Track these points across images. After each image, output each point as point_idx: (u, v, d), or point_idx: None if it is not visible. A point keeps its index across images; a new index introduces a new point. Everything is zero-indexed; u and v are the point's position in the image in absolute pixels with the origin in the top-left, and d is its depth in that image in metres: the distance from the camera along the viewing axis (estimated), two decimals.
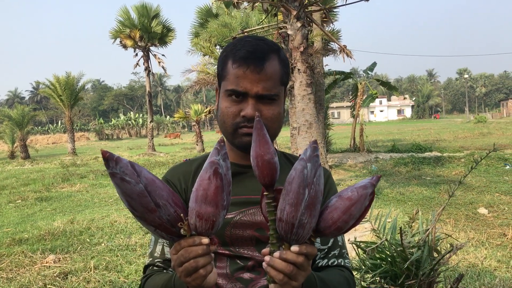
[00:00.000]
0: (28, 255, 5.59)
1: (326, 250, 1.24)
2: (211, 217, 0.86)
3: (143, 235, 6.33)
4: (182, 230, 0.88)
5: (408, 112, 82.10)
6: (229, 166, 0.89)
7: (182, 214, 0.88)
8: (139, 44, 26.56)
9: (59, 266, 5.18)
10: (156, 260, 1.22)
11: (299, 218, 0.86)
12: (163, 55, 28.91)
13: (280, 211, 0.89)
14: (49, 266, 5.23)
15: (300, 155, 1.08)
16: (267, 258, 0.93)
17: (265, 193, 0.95)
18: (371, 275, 2.15)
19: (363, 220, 0.96)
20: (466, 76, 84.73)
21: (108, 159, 0.81)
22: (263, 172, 0.92)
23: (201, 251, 0.88)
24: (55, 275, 4.90)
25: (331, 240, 1.25)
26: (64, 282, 4.75)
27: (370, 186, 0.90)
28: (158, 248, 1.23)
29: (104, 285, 4.59)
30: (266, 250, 0.96)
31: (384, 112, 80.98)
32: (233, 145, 1.20)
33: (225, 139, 1.25)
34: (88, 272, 4.96)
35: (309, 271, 0.95)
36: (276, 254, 0.91)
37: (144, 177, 0.84)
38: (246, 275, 1.15)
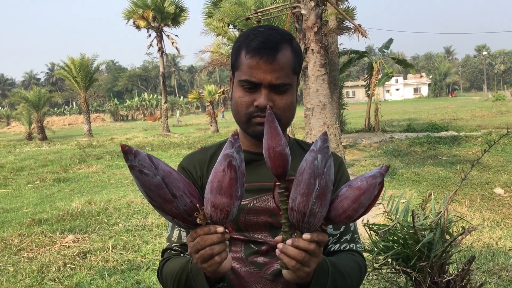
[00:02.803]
0: (48, 235, 5.74)
1: (338, 235, 1.27)
2: (226, 207, 0.90)
3: (159, 215, 6.44)
4: (198, 219, 0.93)
5: (424, 91, 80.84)
6: (242, 158, 0.92)
7: (198, 204, 0.92)
8: (152, 24, 26.50)
9: (78, 246, 5.32)
10: (173, 245, 1.27)
11: (310, 207, 0.90)
12: (176, 35, 29.00)
13: (292, 200, 0.92)
14: (68, 245, 5.37)
15: (312, 142, 1.10)
16: (280, 245, 0.97)
17: (277, 183, 0.98)
18: (383, 257, 2.18)
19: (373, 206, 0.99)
20: (484, 53, 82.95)
21: (127, 152, 0.85)
22: (275, 163, 0.96)
23: (217, 239, 0.92)
24: (74, 254, 5.03)
25: (343, 226, 1.28)
26: (84, 261, 4.88)
27: (379, 176, 0.92)
28: (175, 233, 1.28)
29: (122, 264, 4.71)
30: (279, 237, 1.00)
31: (400, 91, 79.88)
32: (247, 133, 1.23)
33: (239, 129, 1.28)
34: (106, 252, 5.09)
35: (320, 258, 0.99)
36: (289, 241, 0.95)
37: (162, 169, 0.89)
38: (260, 259, 1.20)
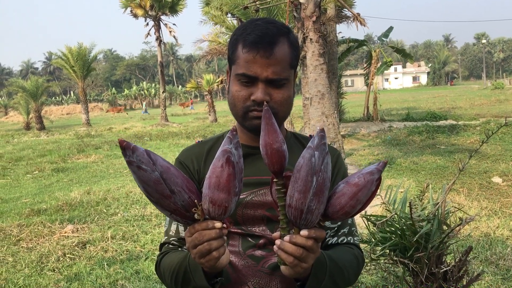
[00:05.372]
0: (47, 225, 5.75)
1: (336, 228, 1.27)
2: (224, 203, 0.90)
3: None
4: (196, 215, 0.93)
5: (423, 79, 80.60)
6: (241, 154, 0.93)
7: (196, 200, 0.92)
8: (150, 13, 26.30)
9: (77, 236, 5.34)
10: (171, 239, 1.27)
11: (307, 204, 0.90)
12: (174, 24, 28.67)
13: (289, 197, 0.93)
14: (67, 236, 5.39)
15: (310, 135, 1.10)
16: (277, 241, 0.97)
17: (274, 180, 0.99)
18: (380, 248, 2.19)
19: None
20: (484, 41, 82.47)
21: (125, 148, 0.85)
22: (272, 160, 0.96)
23: (214, 234, 0.93)
24: (73, 244, 5.05)
25: None
26: (83, 251, 4.90)
27: (376, 172, 0.93)
28: (173, 227, 1.28)
29: (121, 254, 4.73)
30: (276, 234, 1.00)
31: (399, 79, 79.65)
32: (244, 127, 1.23)
33: (236, 123, 1.27)
34: (105, 242, 5.11)
35: (318, 253, 0.99)
36: (286, 238, 0.95)
37: (160, 165, 0.89)
38: (258, 253, 1.20)
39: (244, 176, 0.99)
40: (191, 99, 52.78)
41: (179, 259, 1.13)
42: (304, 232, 0.93)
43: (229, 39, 1.23)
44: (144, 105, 48.16)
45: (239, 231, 1.21)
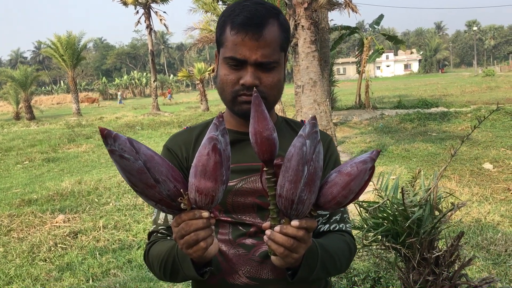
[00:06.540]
0: (38, 215, 5.71)
1: (327, 215, 1.25)
2: (211, 192, 0.87)
3: None
4: (182, 205, 0.89)
5: (415, 67, 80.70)
6: (228, 141, 0.89)
7: (181, 189, 0.89)
8: (140, 1, 25.99)
9: (69, 226, 5.31)
10: (159, 227, 1.24)
11: (298, 194, 0.87)
12: (164, 12, 28.27)
13: (280, 187, 0.90)
14: (59, 226, 5.35)
15: (301, 120, 1.06)
16: (268, 232, 0.95)
17: (264, 168, 0.95)
18: (373, 234, 2.19)
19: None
20: (475, 28, 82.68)
21: (106, 136, 0.81)
22: (262, 148, 0.92)
23: (202, 224, 0.90)
24: (65, 234, 5.02)
25: None
26: (74, 241, 4.88)
27: (369, 161, 0.90)
28: (162, 215, 1.25)
29: (113, 244, 4.71)
30: (267, 224, 0.97)
31: (391, 67, 79.65)
32: (233, 112, 1.19)
33: (224, 109, 1.24)
34: (97, 231, 5.08)
35: (309, 243, 0.97)
36: (277, 228, 0.93)
37: (143, 153, 0.85)
38: (248, 241, 1.17)
39: (233, 163, 0.96)
40: (168, 88, 52.04)
41: (167, 249, 1.11)
42: (295, 222, 0.91)
43: (217, 22, 1.18)
44: (119, 95, 48.26)
45: (229, 219, 1.18)
